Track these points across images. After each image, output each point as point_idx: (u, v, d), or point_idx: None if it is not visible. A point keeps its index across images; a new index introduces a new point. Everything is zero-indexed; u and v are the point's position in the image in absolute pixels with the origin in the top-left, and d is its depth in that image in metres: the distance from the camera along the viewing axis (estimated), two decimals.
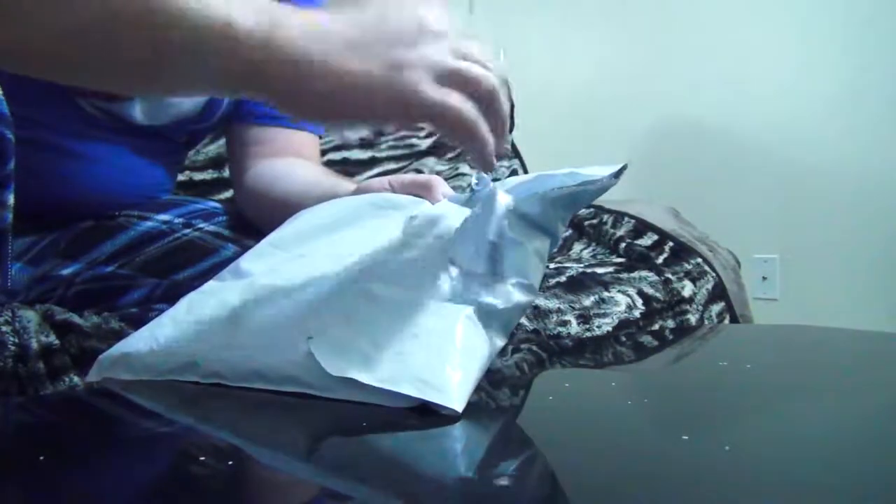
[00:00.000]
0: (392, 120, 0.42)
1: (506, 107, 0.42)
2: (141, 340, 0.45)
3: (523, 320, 0.86)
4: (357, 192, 0.58)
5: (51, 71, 0.40)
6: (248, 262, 0.50)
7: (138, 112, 0.66)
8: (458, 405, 0.35)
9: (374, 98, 0.39)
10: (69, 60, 0.38)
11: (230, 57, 0.37)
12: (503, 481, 0.28)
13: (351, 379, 0.36)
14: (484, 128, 0.40)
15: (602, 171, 0.45)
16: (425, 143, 1.59)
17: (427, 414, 0.35)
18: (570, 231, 1.39)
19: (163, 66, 0.38)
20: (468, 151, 0.41)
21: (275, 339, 0.41)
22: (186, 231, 0.64)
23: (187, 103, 0.69)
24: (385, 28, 0.39)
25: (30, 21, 0.35)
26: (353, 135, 0.43)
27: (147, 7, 0.36)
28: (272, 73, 0.38)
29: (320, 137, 0.84)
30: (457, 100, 0.39)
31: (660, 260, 1.14)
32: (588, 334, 0.89)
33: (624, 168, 0.44)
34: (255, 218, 0.66)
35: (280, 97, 0.40)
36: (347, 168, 1.39)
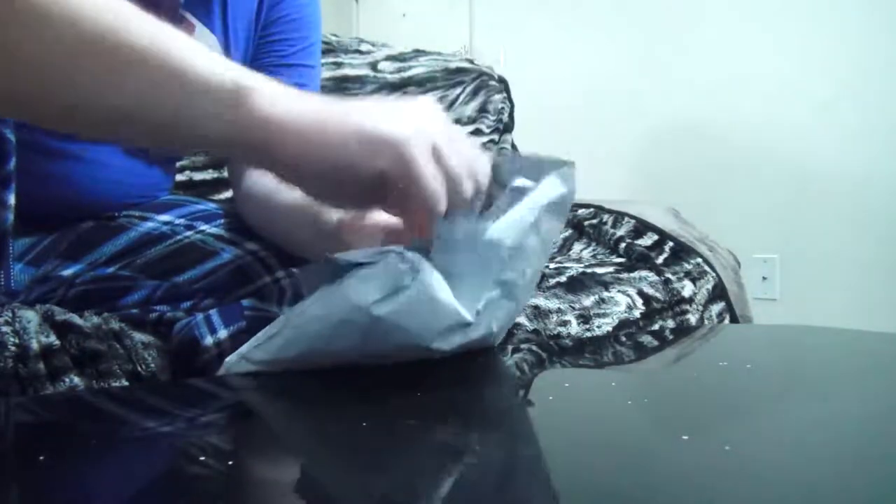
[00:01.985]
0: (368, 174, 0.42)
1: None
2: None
3: (523, 320, 0.86)
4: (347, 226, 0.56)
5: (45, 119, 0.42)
6: None
7: None
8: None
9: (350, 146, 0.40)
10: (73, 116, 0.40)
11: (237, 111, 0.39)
12: (503, 481, 0.28)
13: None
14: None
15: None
16: None
17: (426, 414, 0.35)
18: (570, 231, 1.39)
19: (175, 125, 0.40)
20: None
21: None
22: (188, 233, 0.64)
23: None
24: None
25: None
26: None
27: (169, 73, 0.38)
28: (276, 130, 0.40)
29: None
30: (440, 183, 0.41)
31: (660, 260, 1.14)
32: (588, 334, 0.89)
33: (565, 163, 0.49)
34: (254, 225, 0.66)
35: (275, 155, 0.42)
36: None
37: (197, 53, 0.39)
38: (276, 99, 0.40)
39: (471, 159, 0.44)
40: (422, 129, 0.41)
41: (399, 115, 0.42)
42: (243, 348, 0.45)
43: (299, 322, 0.43)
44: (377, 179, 0.41)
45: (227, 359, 0.46)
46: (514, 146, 1.71)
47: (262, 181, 0.69)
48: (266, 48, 0.77)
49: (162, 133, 0.42)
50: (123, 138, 0.43)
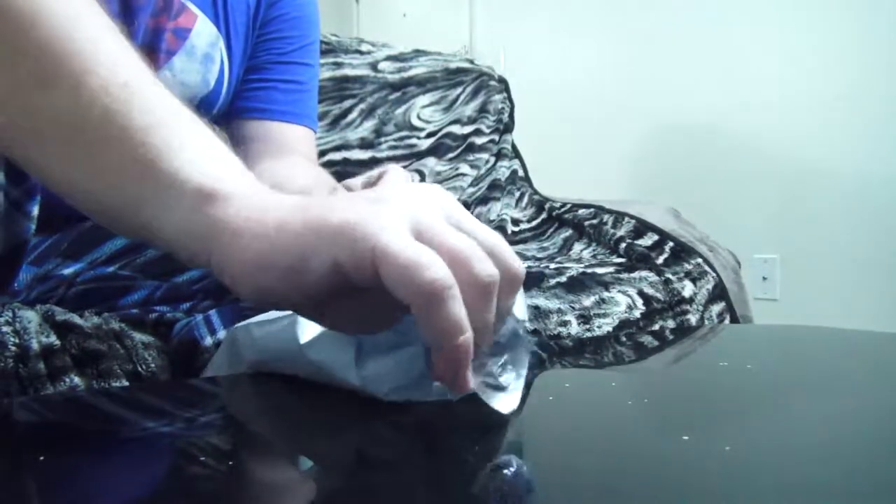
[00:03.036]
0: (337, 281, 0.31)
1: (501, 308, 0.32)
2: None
3: None
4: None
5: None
6: None
7: None
8: None
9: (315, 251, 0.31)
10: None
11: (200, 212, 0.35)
12: (503, 481, 0.28)
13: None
14: (460, 309, 0.29)
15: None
16: (426, 144, 1.59)
17: (425, 414, 0.35)
18: (570, 231, 1.39)
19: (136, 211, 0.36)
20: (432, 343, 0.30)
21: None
22: None
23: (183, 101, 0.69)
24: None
25: None
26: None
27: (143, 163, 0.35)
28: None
29: (315, 132, 0.84)
30: (432, 258, 0.29)
31: (660, 260, 1.14)
32: (588, 334, 0.89)
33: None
34: None
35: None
36: (347, 168, 1.39)
37: (183, 145, 0.36)
38: (238, 210, 0.34)
39: (489, 240, 0.32)
40: (396, 208, 0.31)
41: (371, 201, 0.32)
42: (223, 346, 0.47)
43: (245, 339, 0.45)
44: (335, 280, 0.31)
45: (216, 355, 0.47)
46: (514, 146, 1.71)
47: (264, 180, 0.69)
48: (264, 45, 0.77)
49: (118, 218, 0.38)
50: (80, 207, 0.40)
